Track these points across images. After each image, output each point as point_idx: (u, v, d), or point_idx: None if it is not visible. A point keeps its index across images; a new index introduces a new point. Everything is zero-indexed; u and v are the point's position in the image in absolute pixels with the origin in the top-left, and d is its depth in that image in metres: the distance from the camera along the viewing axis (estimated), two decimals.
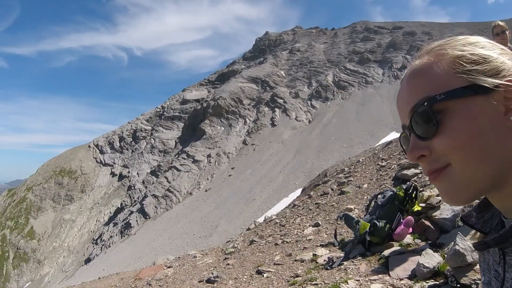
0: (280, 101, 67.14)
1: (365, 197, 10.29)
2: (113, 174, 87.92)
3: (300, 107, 66.11)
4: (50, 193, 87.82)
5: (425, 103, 0.88)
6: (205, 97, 76.97)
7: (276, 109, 66.02)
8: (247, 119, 66.82)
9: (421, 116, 0.90)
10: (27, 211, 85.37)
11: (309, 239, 8.65)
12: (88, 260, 60.29)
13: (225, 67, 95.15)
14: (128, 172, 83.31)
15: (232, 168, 56.55)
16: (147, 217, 56.52)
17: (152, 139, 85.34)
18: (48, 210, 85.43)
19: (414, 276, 4.64)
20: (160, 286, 9.10)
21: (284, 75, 76.46)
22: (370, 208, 6.75)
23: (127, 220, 59.25)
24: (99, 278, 16.39)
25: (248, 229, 14.00)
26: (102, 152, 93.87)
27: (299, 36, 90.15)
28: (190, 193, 56.25)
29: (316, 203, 11.83)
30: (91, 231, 74.31)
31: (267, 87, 71.99)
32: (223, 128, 66.03)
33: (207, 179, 57.53)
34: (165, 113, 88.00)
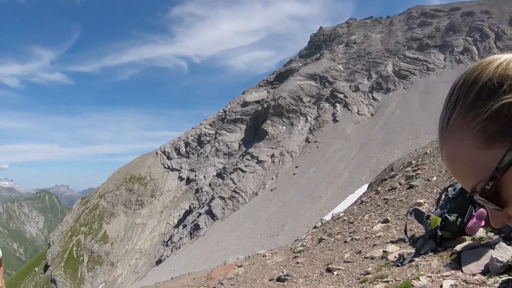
0: (341, 96, 66.11)
1: (435, 191, 10.01)
2: (180, 178, 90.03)
3: (361, 101, 64.82)
4: (122, 199, 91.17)
5: (484, 190, 0.87)
6: (265, 98, 77.08)
7: (337, 104, 65.06)
8: (308, 117, 66.33)
9: (485, 200, 0.89)
10: (100, 217, 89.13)
11: (379, 236, 8.55)
12: (159, 261, 62.07)
13: (283, 67, 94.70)
14: (195, 175, 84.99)
15: (296, 167, 56.40)
16: (215, 218, 57.46)
17: (216, 142, 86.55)
18: (120, 215, 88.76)
19: (487, 271, 4.52)
20: (231, 285, 9.26)
21: (342, 69, 75.13)
22: (441, 201, 6.59)
23: (196, 222, 60.46)
24: (172, 278, 16.88)
25: (315, 227, 13.95)
26: (169, 158, 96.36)
27: (354, 28, 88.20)
28: (256, 193, 56.68)
29: (384, 199, 11.63)
30: (162, 234, 76.43)
31: (326, 83, 71.05)
32: (285, 127, 65.89)
33: (272, 178, 57.72)
34: (227, 116, 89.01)
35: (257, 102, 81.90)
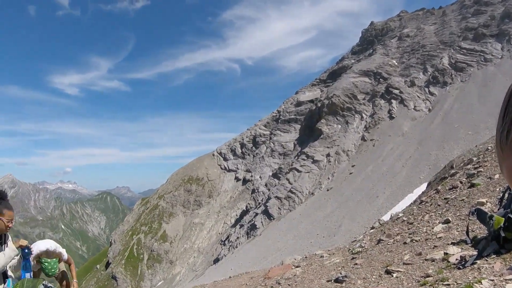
0: (396, 91, 64.61)
1: (498, 189, 9.66)
2: (237, 179, 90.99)
3: (418, 96, 63.07)
4: (180, 199, 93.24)
5: None
6: (319, 96, 76.54)
7: (393, 101, 63.64)
8: (363, 114, 65.29)
9: None
10: (159, 216, 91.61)
11: (439, 237, 8.36)
12: (216, 260, 62.95)
13: (335, 64, 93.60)
14: (251, 176, 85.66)
15: (353, 166, 55.69)
16: (271, 218, 57.63)
17: (271, 143, 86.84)
18: (179, 215, 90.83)
19: None
20: (289, 285, 9.29)
21: (396, 64, 73.33)
22: (504, 201, 6.37)
23: (252, 222, 60.89)
24: (230, 277, 17.07)
25: (373, 227, 13.77)
26: (225, 159, 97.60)
27: (406, 21, 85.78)
28: (312, 193, 56.41)
29: (444, 198, 11.32)
30: (219, 233, 77.53)
31: (380, 79, 69.61)
32: (339, 126, 65.16)
33: (328, 178, 57.25)
34: (281, 117, 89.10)
35: (311, 101, 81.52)
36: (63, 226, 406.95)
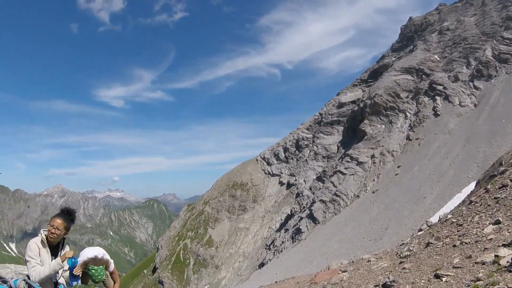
0: (440, 87, 62.92)
1: None
2: (281, 183, 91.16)
3: (463, 91, 61.19)
4: (225, 205, 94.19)
5: None
6: (361, 97, 75.47)
7: (437, 97, 62.00)
8: (407, 113, 63.93)
9: None
10: (205, 222, 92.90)
11: (490, 239, 8.13)
12: (261, 265, 63.17)
13: (376, 63, 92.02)
14: (295, 180, 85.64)
15: (398, 167, 54.69)
16: (316, 222, 57.28)
17: (314, 146, 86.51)
18: (224, 220, 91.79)
19: None
20: None
21: (438, 59, 71.34)
22: None
23: (297, 226, 60.74)
24: (276, 282, 17.14)
25: (421, 230, 13.52)
26: (269, 164, 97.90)
27: (445, 13, 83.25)
28: (357, 196, 55.71)
29: (494, 198, 10.96)
30: (264, 238, 77.79)
31: (422, 75, 67.91)
32: (383, 126, 64.09)
33: (373, 180, 56.40)
34: (323, 119, 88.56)
35: (353, 102, 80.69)
36: (111, 233, 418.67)
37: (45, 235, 6.59)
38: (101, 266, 7.17)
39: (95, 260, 7.06)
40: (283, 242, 62.44)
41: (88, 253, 7.10)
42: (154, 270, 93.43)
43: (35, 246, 6.43)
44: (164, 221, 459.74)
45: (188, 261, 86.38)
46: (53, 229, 6.50)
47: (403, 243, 13.34)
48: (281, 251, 60.05)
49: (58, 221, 6.55)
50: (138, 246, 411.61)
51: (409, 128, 61.12)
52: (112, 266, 7.62)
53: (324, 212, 57.88)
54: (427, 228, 12.96)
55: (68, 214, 6.75)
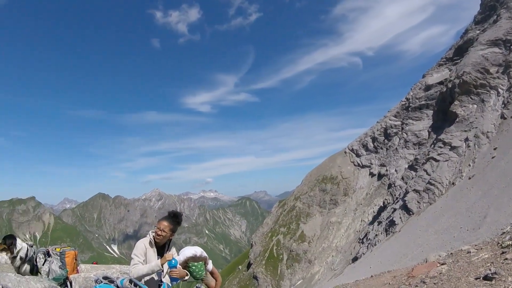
0: None
1: None
2: (371, 174, 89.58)
3: None
4: (316, 199, 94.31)
5: None
6: (448, 77, 71.45)
7: None
8: (499, 89, 59.09)
9: None
10: (297, 217, 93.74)
11: None
12: (355, 259, 62.36)
13: (459, 39, 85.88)
14: (386, 170, 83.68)
15: (495, 149, 51.04)
16: (410, 213, 55.27)
17: (403, 133, 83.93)
18: (315, 215, 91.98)
19: None
20: (434, 283, 8.85)
21: None
22: None
23: (391, 218, 59.11)
24: (372, 276, 16.74)
25: None
26: (358, 155, 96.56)
27: None
28: (453, 183, 52.83)
29: None
30: (357, 231, 76.79)
31: (511, 47, 62.98)
32: (475, 105, 59.96)
33: (469, 165, 53.13)
34: (410, 104, 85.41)
35: (440, 83, 76.90)
36: (207, 231, 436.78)
37: (152, 236, 7.17)
38: (200, 262, 7.91)
39: (195, 258, 7.81)
40: (376, 235, 61.11)
41: (187, 251, 7.85)
42: (249, 266, 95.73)
43: (142, 246, 7.03)
44: (256, 218, 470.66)
45: (281, 256, 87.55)
46: (160, 231, 7.04)
47: (504, 232, 12.45)
48: (375, 245, 58.81)
49: (165, 224, 7.09)
50: (232, 243, 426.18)
51: (503, 105, 56.60)
52: (210, 265, 8.28)
53: (418, 202, 55.70)
54: None
55: (174, 217, 7.24)
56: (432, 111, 74.83)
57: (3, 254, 8.46)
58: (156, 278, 6.98)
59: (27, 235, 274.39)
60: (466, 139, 56.48)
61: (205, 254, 8.04)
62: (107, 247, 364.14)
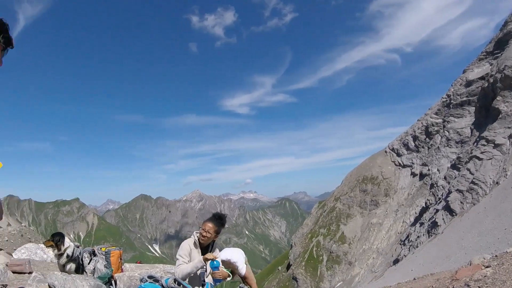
0: None
1: None
2: (413, 174, 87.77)
3: None
4: (356, 200, 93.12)
5: None
6: (489, 71, 69.05)
7: None
8: None
9: None
10: (337, 218, 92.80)
11: None
12: (396, 261, 61.13)
13: (499, 31, 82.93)
14: (428, 170, 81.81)
15: None
16: (454, 214, 53.64)
17: (445, 131, 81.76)
18: (356, 216, 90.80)
19: None
20: (479, 287, 8.33)
21: None
22: None
23: (433, 219, 57.66)
24: (414, 278, 16.18)
25: None
26: (398, 154, 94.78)
27: None
28: (497, 183, 50.89)
29: None
30: (398, 233, 75.30)
31: None
32: None
33: None
34: (452, 101, 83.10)
35: (482, 78, 74.31)
36: (246, 232, 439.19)
37: (197, 237, 7.41)
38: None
39: (225, 262, 7.64)
40: (418, 236, 59.71)
41: (223, 254, 7.76)
42: (288, 267, 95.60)
43: (187, 247, 7.29)
44: (296, 218, 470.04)
45: (321, 257, 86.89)
46: (204, 232, 7.28)
47: None
48: (417, 246, 57.40)
49: (209, 225, 7.35)
50: (272, 244, 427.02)
51: None
52: (244, 270, 7.94)
53: (461, 202, 53.99)
54: None
55: (219, 219, 7.51)
56: (474, 108, 72.59)
57: (50, 250, 8.62)
58: (199, 277, 7.11)
59: (71, 235, 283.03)
60: (510, 136, 54.43)
61: (238, 263, 7.82)
62: (149, 247, 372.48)
